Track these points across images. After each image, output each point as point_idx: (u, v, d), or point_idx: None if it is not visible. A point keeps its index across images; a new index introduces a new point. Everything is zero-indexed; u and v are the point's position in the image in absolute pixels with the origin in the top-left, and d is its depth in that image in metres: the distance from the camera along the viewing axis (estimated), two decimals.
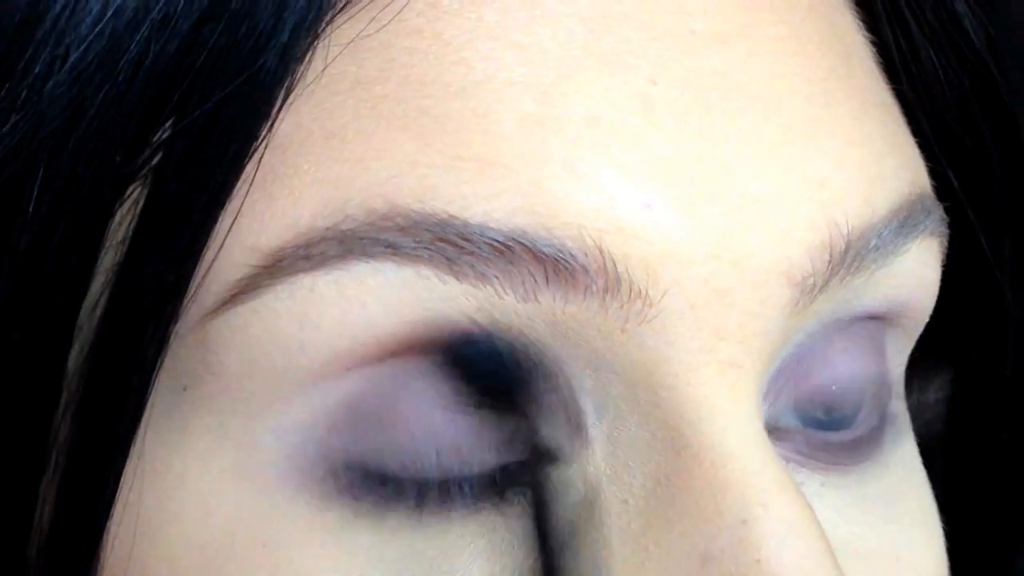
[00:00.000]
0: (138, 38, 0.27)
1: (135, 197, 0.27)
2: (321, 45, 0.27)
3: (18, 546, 0.29)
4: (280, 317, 0.27)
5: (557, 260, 0.27)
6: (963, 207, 0.34)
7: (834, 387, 0.31)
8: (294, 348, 0.27)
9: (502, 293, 0.27)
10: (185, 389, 0.28)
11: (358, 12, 0.28)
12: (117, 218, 0.28)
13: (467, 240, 0.27)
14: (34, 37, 0.27)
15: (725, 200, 0.28)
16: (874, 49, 0.33)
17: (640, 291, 0.27)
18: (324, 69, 0.27)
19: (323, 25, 0.27)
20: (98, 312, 0.28)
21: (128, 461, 0.28)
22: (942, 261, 0.32)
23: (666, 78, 0.28)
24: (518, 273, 0.27)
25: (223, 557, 0.28)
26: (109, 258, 0.28)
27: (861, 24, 0.33)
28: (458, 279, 0.27)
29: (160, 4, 0.27)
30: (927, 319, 0.33)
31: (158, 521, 0.28)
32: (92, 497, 0.28)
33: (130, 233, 0.27)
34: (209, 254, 0.27)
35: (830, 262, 0.29)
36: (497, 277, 0.27)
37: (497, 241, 0.27)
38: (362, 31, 0.27)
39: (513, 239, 0.27)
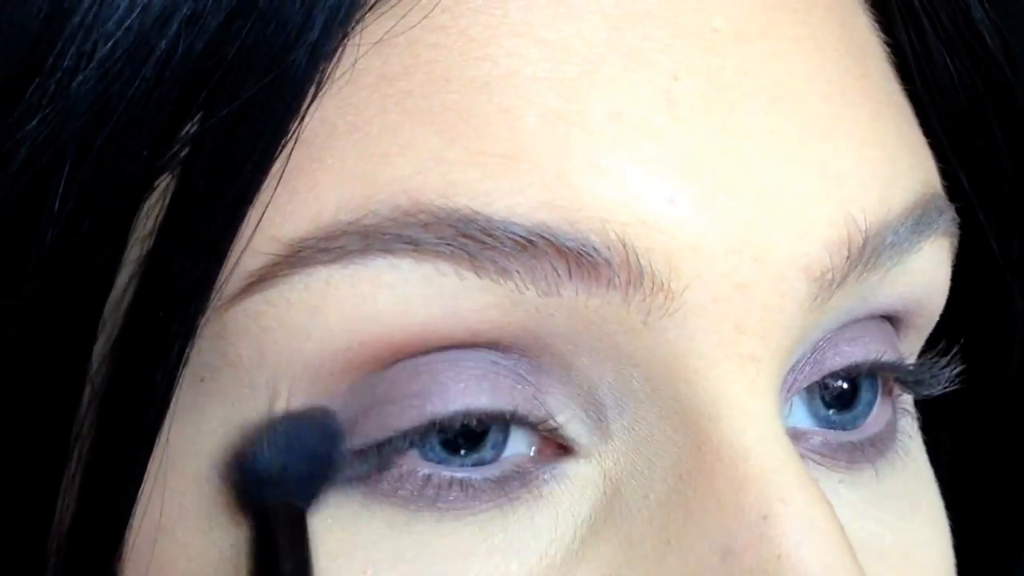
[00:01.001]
0: (167, 34, 0.27)
1: (162, 191, 0.28)
2: (351, 43, 0.27)
3: (38, 539, 0.29)
4: (292, 307, 0.27)
5: (580, 254, 0.27)
6: (973, 208, 0.35)
7: (845, 382, 0.32)
8: (301, 338, 0.27)
9: (523, 288, 0.27)
10: (202, 380, 0.28)
11: (388, 10, 0.28)
12: (144, 211, 0.28)
13: (490, 235, 0.27)
14: (62, 33, 0.28)
15: (746, 196, 0.28)
16: (888, 50, 0.33)
17: (663, 284, 0.27)
18: (353, 66, 0.27)
19: (353, 23, 0.27)
20: (123, 306, 0.28)
21: (152, 455, 0.28)
22: (952, 261, 0.33)
23: (689, 75, 0.28)
24: (540, 268, 0.27)
25: (218, 543, 0.28)
26: (135, 251, 0.28)
27: (876, 26, 0.33)
28: (478, 275, 0.27)
29: (189, 1, 0.27)
30: (937, 318, 0.34)
31: (176, 512, 0.28)
32: (115, 491, 0.28)
33: (157, 227, 0.27)
34: (234, 248, 0.27)
35: (848, 257, 0.29)
36: (519, 272, 0.27)
37: (520, 236, 0.27)
38: (392, 29, 0.28)
39: (536, 233, 0.27)
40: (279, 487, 0.27)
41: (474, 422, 0.28)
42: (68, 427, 0.28)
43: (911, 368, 0.33)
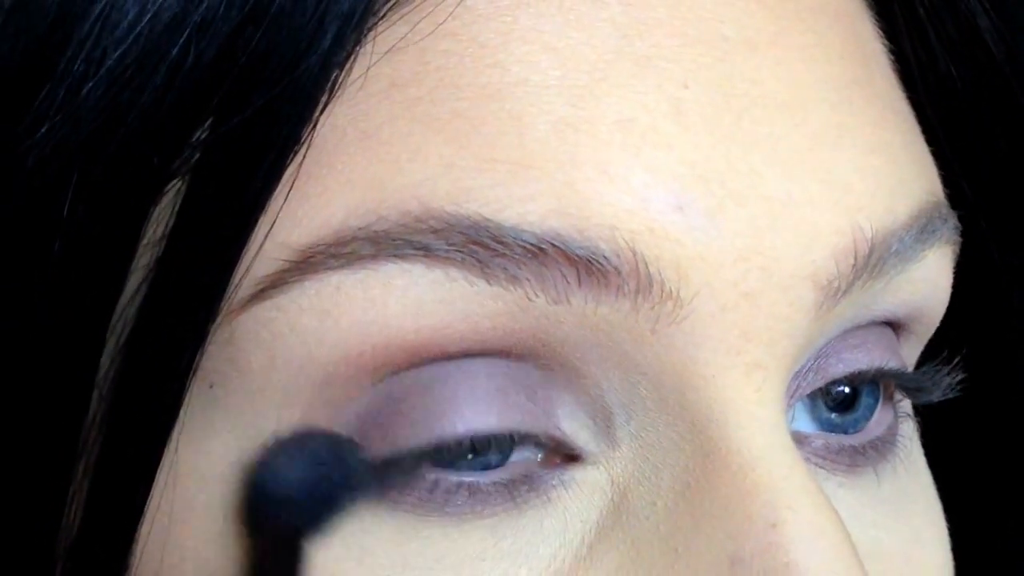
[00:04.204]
0: (178, 41, 0.27)
1: (172, 197, 0.28)
2: (363, 51, 0.27)
3: (45, 546, 0.29)
4: (304, 312, 0.27)
5: (590, 261, 0.27)
6: (974, 215, 0.35)
7: (847, 388, 0.32)
8: (313, 343, 0.27)
9: (533, 295, 0.27)
10: (212, 387, 0.28)
11: (399, 18, 0.28)
12: (154, 217, 0.28)
13: (500, 242, 0.27)
14: (72, 39, 0.27)
15: (754, 204, 0.28)
16: (893, 58, 0.33)
17: (671, 292, 0.27)
18: (366, 73, 0.27)
19: (365, 31, 0.27)
20: (133, 311, 0.28)
21: (161, 462, 0.28)
22: (954, 268, 0.33)
23: (698, 83, 0.28)
24: (550, 275, 0.27)
25: (224, 557, 0.28)
26: (145, 258, 0.28)
27: (881, 33, 0.33)
28: (488, 282, 0.27)
29: (200, 8, 0.27)
30: (938, 324, 0.34)
31: (185, 520, 0.28)
32: (124, 498, 0.28)
33: (167, 233, 0.27)
34: (244, 254, 0.27)
35: (854, 266, 0.29)
36: (529, 279, 0.27)
37: (530, 243, 0.27)
38: (404, 37, 0.27)
39: (546, 241, 0.27)
40: (286, 508, 0.26)
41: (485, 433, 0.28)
42: (76, 433, 0.28)
43: (913, 375, 0.33)
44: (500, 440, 0.28)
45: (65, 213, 0.27)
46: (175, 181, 0.27)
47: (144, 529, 0.28)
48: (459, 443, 0.28)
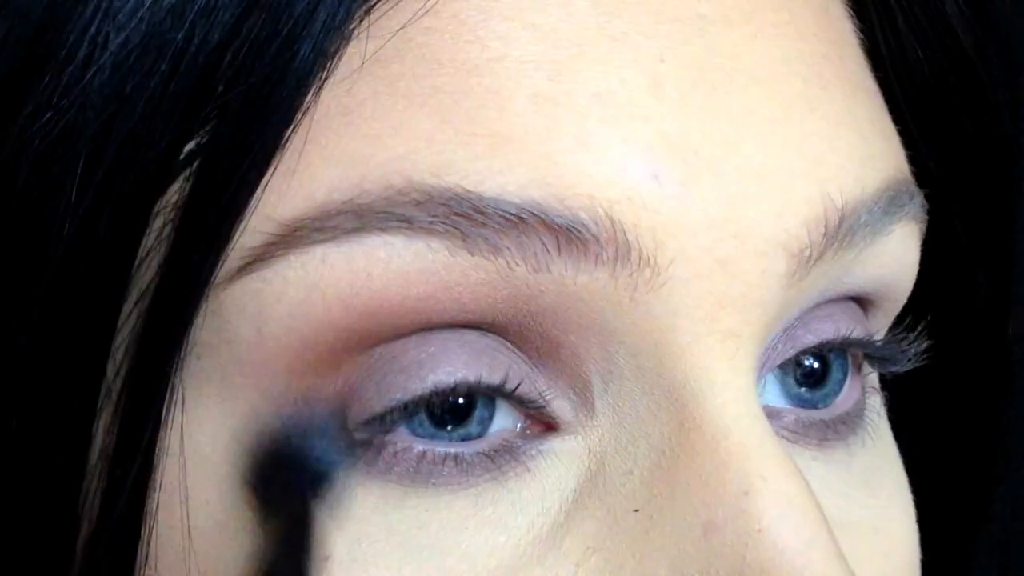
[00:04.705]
0: (182, 27, 0.27)
1: (177, 186, 0.28)
2: (355, 35, 0.28)
3: (64, 540, 0.29)
4: (289, 285, 0.28)
5: (569, 230, 0.28)
6: (939, 195, 0.36)
7: (816, 361, 0.33)
8: (299, 314, 0.28)
9: (513, 265, 0.28)
10: (199, 358, 0.28)
11: (391, 7, 0.28)
12: (158, 205, 0.28)
13: (481, 213, 0.27)
14: (75, 25, 0.28)
15: (727, 173, 0.29)
16: (862, 37, 0.34)
17: (649, 259, 0.28)
18: (346, 50, 0.28)
19: (355, 16, 0.28)
20: (145, 301, 0.28)
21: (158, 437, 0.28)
22: (920, 246, 0.34)
23: (674, 57, 0.29)
24: (530, 244, 0.28)
25: (234, 528, 0.28)
26: (151, 241, 0.28)
27: (851, 13, 0.34)
28: (470, 252, 0.28)
29: None
30: (904, 301, 0.35)
31: (189, 496, 0.29)
32: (127, 477, 0.28)
33: (174, 218, 0.28)
34: (234, 229, 0.28)
35: (825, 234, 0.30)
36: (509, 248, 0.28)
37: (510, 213, 0.27)
38: (405, 23, 0.28)
39: (526, 210, 0.27)
40: (297, 476, 0.27)
41: (467, 394, 0.29)
42: (88, 422, 0.28)
43: (879, 344, 0.34)
44: (481, 400, 0.29)
45: (74, 199, 0.27)
46: (181, 168, 0.28)
47: (150, 506, 0.28)
48: (452, 392, 0.28)
